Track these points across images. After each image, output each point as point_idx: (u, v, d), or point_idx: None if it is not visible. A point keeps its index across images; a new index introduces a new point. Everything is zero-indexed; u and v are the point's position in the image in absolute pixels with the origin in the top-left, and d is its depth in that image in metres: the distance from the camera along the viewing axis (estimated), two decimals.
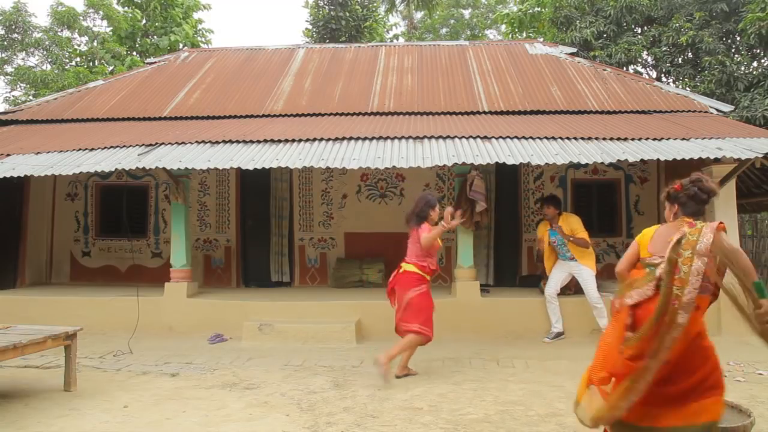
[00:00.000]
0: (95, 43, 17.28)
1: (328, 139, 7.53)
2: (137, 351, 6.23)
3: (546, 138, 7.29)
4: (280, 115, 9.15)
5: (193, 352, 6.26)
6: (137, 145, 7.61)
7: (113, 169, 7.17)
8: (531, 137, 7.32)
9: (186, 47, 17.95)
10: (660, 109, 8.85)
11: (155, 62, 11.67)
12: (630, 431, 2.92)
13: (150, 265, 9.57)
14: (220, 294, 8.06)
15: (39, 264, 9.36)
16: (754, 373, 5.26)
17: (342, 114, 9.10)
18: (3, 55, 17.10)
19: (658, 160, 6.54)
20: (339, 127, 8.11)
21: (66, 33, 17.86)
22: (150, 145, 7.59)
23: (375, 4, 20.09)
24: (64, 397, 4.62)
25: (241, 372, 5.43)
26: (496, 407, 4.34)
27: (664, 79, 13.20)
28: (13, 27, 16.82)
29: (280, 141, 7.54)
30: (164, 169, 6.99)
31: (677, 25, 12.43)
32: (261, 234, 9.54)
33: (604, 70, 10.17)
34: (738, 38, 12.42)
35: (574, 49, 11.51)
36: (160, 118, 9.24)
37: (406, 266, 5.54)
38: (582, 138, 7.27)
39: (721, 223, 3.14)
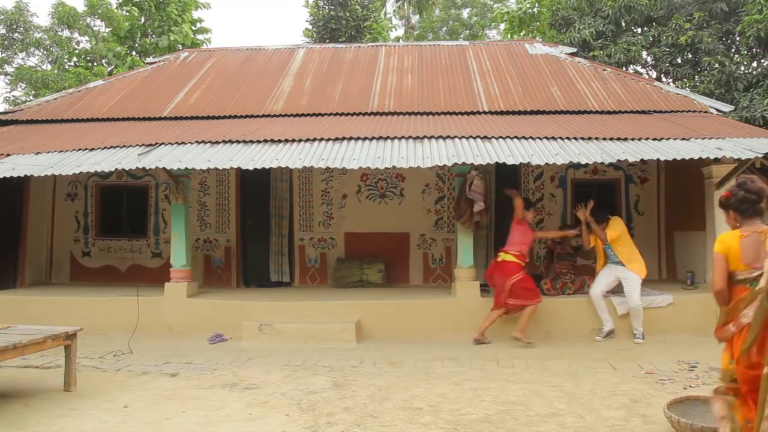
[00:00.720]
0: (96, 43, 17.28)
1: (328, 139, 7.53)
2: (137, 351, 6.23)
3: (546, 138, 7.29)
4: (280, 115, 9.15)
5: (193, 352, 6.26)
6: (137, 145, 7.61)
7: (113, 169, 7.18)
8: (531, 137, 7.32)
9: (185, 47, 17.97)
10: (660, 109, 8.85)
11: (155, 62, 11.67)
12: None
13: (150, 265, 9.57)
14: (220, 294, 8.06)
15: (39, 264, 9.36)
16: None
17: (342, 114, 9.10)
18: (3, 54, 17.10)
19: (658, 160, 6.54)
20: (339, 127, 8.11)
21: (66, 33, 17.86)
22: (150, 145, 7.58)
23: (375, 5, 20.09)
24: (64, 397, 4.62)
25: (241, 372, 5.43)
26: (496, 407, 4.34)
27: (663, 79, 13.19)
28: (14, 27, 16.81)
29: (280, 141, 7.54)
30: (164, 169, 6.99)
31: (677, 25, 12.43)
32: (261, 234, 9.55)
33: (604, 70, 10.17)
34: (737, 38, 12.41)
35: (574, 49, 11.51)
36: (160, 118, 9.24)
37: (504, 256, 6.68)
38: (582, 138, 7.27)
39: None
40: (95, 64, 17.56)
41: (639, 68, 14.06)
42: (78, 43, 18.19)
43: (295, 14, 56.67)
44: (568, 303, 7.13)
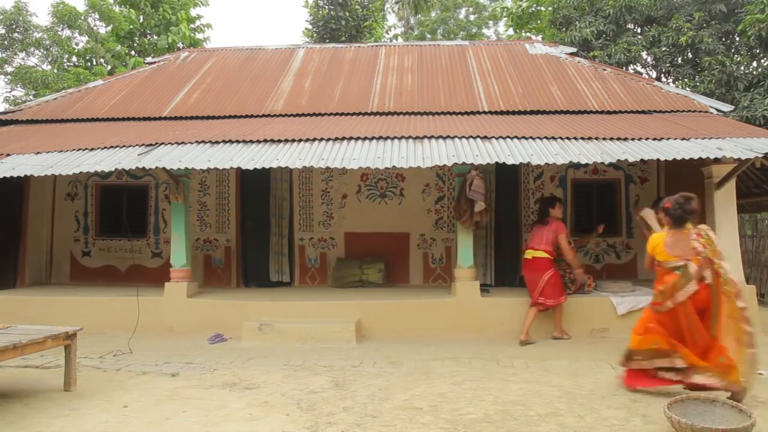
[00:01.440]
0: (95, 43, 17.28)
1: (328, 139, 7.53)
2: (137, 351, 6.23)
3: (546, 138, 7.29)
4: (280, 115, 9.15)
5: (193, 352, 6.26)
6: (137, 145, 7.61)
7: (113, 169, 7.17)
8: (531, 137, 7.32)
9: (184, 46, 17.97)
10: (660, 109, 8.85)
11: (155, 62, 11.67)
12: None
13: (150, 265, 9.57)
14: (220, 294, 8.06)
15: (39, 264, 9.36)
16: (754, 373, 5.24)
17: (342, 114, 9.10)
18: (3, 54, 17.09)
19: (658, 160, 6.54)
20: (339, 127, 8.11)
21: (66, 32, 17.86)
22: (150, 145, 7.59)
23: (375, 5, 20.09)
24: (64, 397, 4.62)
25: (241, 372, 5.43)
26: (496, 407, 4.34)
27: (663, 79, 13.19)
28: (14, 26, 16.81)
29: (279, 141, 7.54)
30: (164, 169, 6.99)
31: (677, 25, 12.43)
32: (261, 234, 9.55)
33: (604, 70, 10.17)
34: (737, 38, 12.41)
35: (574, 49, 11.51)
36: (160, 118, 9.24)
37: (534, 253, 6.82)
38: (582, 138, 7.28)
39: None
40: (94, 63, 17.56)
41: (639, 68, 14.06)
42: (77, 43, 18.19)
43: (295, 14, 56.70)
44: (569, 303, 7.12)
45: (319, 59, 11.12)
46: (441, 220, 9.45)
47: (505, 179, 9.23)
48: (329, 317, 7.08)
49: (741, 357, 4.11)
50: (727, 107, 9.09)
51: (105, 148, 7.62)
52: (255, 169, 6.78)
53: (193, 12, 19.77)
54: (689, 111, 8.80)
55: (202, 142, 7.58)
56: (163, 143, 7.61)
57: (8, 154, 7.61)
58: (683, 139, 7.07)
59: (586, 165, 8.61)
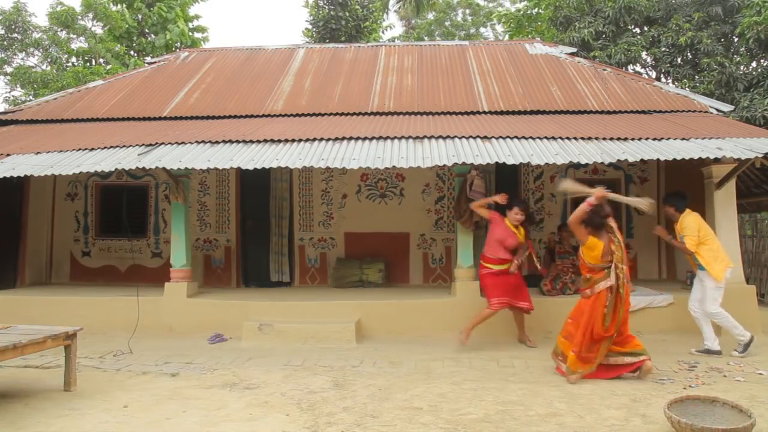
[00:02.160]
0: (95, 43, 17.26)
1: (328, 139, 7.53)
2: (137, 351, 6.23)
3: (546, 138, 7.29)
4: (280, 115, 9.15)
5: (193, 352, 6.26)
6: (137, 145, 7.61)
7: (113, 169, 7.17)
8: (531, 137, 7.32)
9: (183, 46, 17.97)
10: (660, 109, 8.85)
11: (155, 62, 11.68)
12: None
13: (150, 265, 9.57)
14: (220, 294, 8.06)
15: (39, 264, 9.36)
16: (754, 373, 5.25)
17: (342, 114, 9.10)
18: (3, 55, 17.07)
19: (658, 160, 6.53)
20: (339, 127, 8.11)
21: (65, 33, 17.84)
22: (150, 145, 7.58)
23: (375, 5, 20.08)
24: (64, 397, 4.62)
25: (241, 372, 5.43)
26: (496, 407, 4.34)
27: (663, 79, 13.19)
28: (13, 27, 16.79)
29: (279, 141, 7.54)
30: (164, 169, 6.98)
31: (676, 25, 12.42)
32: (261, 234, 9.55)
33: (604, 70, 10.17)
34: (736, 39, 12.41)
35: (574, 49, 11.50)
36: (160, 118, 9.24)
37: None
38: (582, 138, 7.27)
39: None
40: (93, 63, 17.55)
41: (639, 68, 14.06)
42: (75, 44, 18.18)
43: (295, 14, 56.69)
44: (569, 303, 7.10)
45: (319, 59, 11.11)
46: (441, 220, 9.45)
47: (505, 179, 9.22)
48: (329, 317, 7.08)
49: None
50: (727, 107, 9.08)
51: (105, 148, 7.61)
52: (255, 169, 6.78)
53: (191, 11, 19.78)
54: (689, 111, 8.80)
55: (202, 142, 7.58)
56: (163, 143, 7.61)
57: (8, 154, 7.61)
58: (683, 139, 7.07)
59: (586, 165, 8.60)
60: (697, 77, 12.15)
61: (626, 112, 8.79)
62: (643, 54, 13.33)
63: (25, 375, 5.33)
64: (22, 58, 17.53)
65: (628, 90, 9.38)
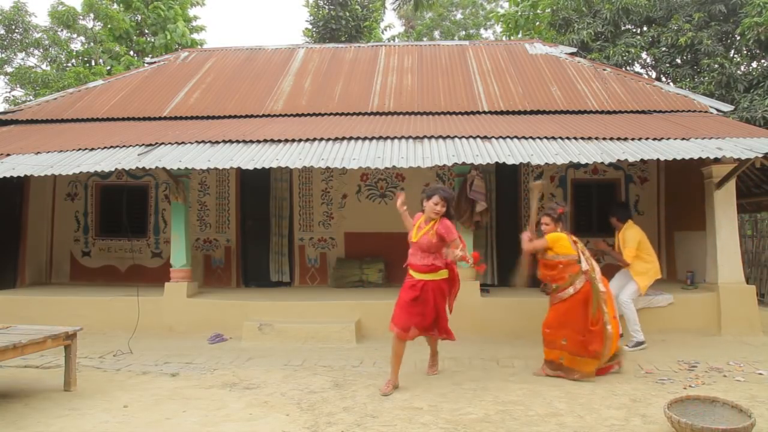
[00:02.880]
0: (93, 43, 17.27)
1: (328, 139, 7.53)
2: (137, 351, 6.23)
3: (546, 138, 7.29)
4: (280, 115, 9.15)
5: (193, 352, 6.26)
6: (137, 145, 7.61)
7: (113, 169, 7.17)
8: (531, 137, 7.32)
9: (182, 46, 17.97)
10: (660, 109, 8.85)
11: (155, 62, 11.68)
12: None
13: (150, 265, 9.57)
14: (220, 294, 8.06)
15: (39, 264, 9.36)
16: (754, 373, 5.25)
17: (342, 114, 9.10)
18: (3, 55, 17.07)
19: (658, 160, 6.53)
20: (339, 127, 8.11)
21: (65, 33, 17.85)
22: (150, 145, 7.59)
23: (375, 5, 20.08)
24: (64, 397, 4.62)
25: (241, 372, 5.43)
26: (496, 407, 4.34)
27: (663, 79, 13.18)
28: (13, 27, 16.79)
29: (279, 141, 7.54)
30: (164, 169, 6.98)
31: (676, 25, 12.42)
32: (261, 234, 9.55)
33: (604, 69, 10.17)
34: (737, 39, 12.40)
35: (574, 49, 11.50)
36: (160, 118, 9.24)
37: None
38: (582, 138, 7.27)
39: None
40: (93, 63, 17.56)
41: (638, 69, 14.05)
42: (75, 45, 18.18)
43: (295, 14, 56.68)
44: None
45: (319, 59, 11.11)
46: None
47: (505, 179, 9.23)
48: (329, 317, 7.08)
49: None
50: (727, 107, 9.08)
51: (105, 148, 7.61)
52: (255, 169, 6.78)
53: (191, 12, 19.78)
54: (689, 111, 8.80)
55: (202, 142, 7.58)
56: (163, 143, 7.61)
57: (8, 154, 7.61)
58: (683, 139, 7.07)
59: (586, 165, 8.61)
60: (697, 77, 12.14)
61: (626, 112, 8.79)
62: (643, 54, 13.32)
63: (25, 375, 5.33)
64: (22, 58, 17.54)
65: (628, 90, 9.38)
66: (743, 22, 11.26)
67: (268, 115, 9.16)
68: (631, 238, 6.50)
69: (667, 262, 9.27)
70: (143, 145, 7.59)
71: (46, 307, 7.42)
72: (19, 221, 8.94)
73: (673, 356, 5.86)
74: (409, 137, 7.53)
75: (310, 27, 19.34)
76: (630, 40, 12.89)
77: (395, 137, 7.54)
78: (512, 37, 17.15)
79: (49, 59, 17.33)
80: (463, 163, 6.72)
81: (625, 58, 12.73)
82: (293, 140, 7.54)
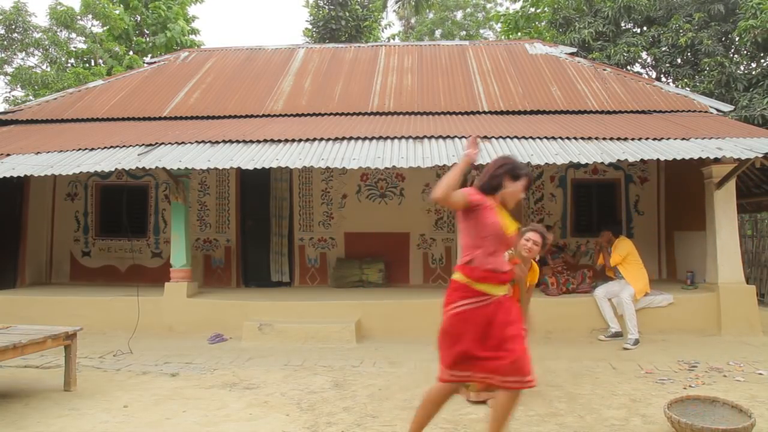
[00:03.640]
0: (93, 42, 17.26)
1: (328, 139, 7.53)
2: (137, 351, 6.23)
3: (546, 138, 7.29)
4: (280, 115, 9.15)
5: (193, 352, 6.26)
6: (137, 145, 7.61)
7: (113, 169, 7.18)
8: (531, 137, 7.32)
9: (182, 46, 17.96)
10: (660, 109, 8.85)
11: (155, 62, 11.68)
12: None
13: (150, 265, 9.57)
14: (220, 294, 8.06)
15: (39, 264, 9.36)
16: (754, 373, 5.25)
17: (342, 114, 9.10)
18: (3, 55, 17.07)
19: (658, 160, 6.54)
20: (339, 127, 8.11)
21: (65, 33, 17.85)
22: (150, 145, 7.59)
23: (374, 4, 20.09)
24: (64, 397, 4.61)
25: (241, 372, 5.43)
26: None
27: (663, 79, 13.19)
28: (13, 27, 16.79)
29: (279, 141, 7.55)
30: (164, 169, 6.99)
31: (676, 25, 12.42)
32: (261, 234, 9.55)
33: (604, 70, 10.18)
34: (736, 39, 12.41)
35: (574, 49, 11.50)
36: (160, 118, 9.24)
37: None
38: (582, 138, 7.28)
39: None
40: (93, 64, 17.56)
41: (639, 68, 14.06)
42: (75, 46, 18.17)
43: (295, 14, 56.68)
44: (568, 303, 7.13)
45: (319, 59, 11.12)
46: (441, 220, 9.45)
47: None
48: (329, 317, 7.08)
49: None
50: (727, 107, 9.09)
51: (105, 148, 7.62)
52: (255, 169, 6.78)
53: (189, 11, 19.77)
54: (689, 111, 8.80)
55: (202, 142, 7.58)
56: (163, 143, 7.61)
57: (8, 154, 7.61)
58: (683, 139, 7.07)
59: (586, 165, 8.60)
60: (696, 77, 12.15)
61: (626, 112, 8.80)
62: (643, 54, 13.33)
63: (25, 375, 5.33)
64: (22, 59, 17.54)
65: (628, 90, 9.38)
66: (740, 25, 11.27)
67: (268, 115, 9.16)
68: (622, 248, 6.92)
69: (667, 262, 9.28)
70: (143, 145, 7.59)
71: (46, 307, 7.42)
72: (19, 221, 8.94)
73: (673, 356, 5.86)
74: (409, 137, 7.53)
75: (310, 27, 19.34)
76: (630, 40, 12.90)
77: (395, 137, 7.54)
78: (512, 37, 17.15)
79: (49, 59, 17.34)
80: None
81: (625, 57, 12.73)
82: (293, 140, 7.55)
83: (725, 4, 12.24)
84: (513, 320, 3.17)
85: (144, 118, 9.29)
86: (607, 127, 7.84)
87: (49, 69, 16.98)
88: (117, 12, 17.58)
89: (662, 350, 6.16)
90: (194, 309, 7.39)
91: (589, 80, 9.70)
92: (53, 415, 4.19)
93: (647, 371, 5.34)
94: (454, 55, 11.11)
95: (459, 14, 28.63)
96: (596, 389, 4.79)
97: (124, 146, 7.61)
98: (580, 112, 8.82)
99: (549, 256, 7.85)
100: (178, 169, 6.99)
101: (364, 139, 7.54)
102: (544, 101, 9.12)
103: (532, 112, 8.88)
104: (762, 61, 12.33)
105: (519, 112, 8.90)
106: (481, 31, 27.34)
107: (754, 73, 11.77)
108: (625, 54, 12.67)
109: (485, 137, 7.40)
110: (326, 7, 18.88)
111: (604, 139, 7.23)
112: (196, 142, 7.58)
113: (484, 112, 8.94)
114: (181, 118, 9.22)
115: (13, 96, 17.43)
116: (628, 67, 13.43)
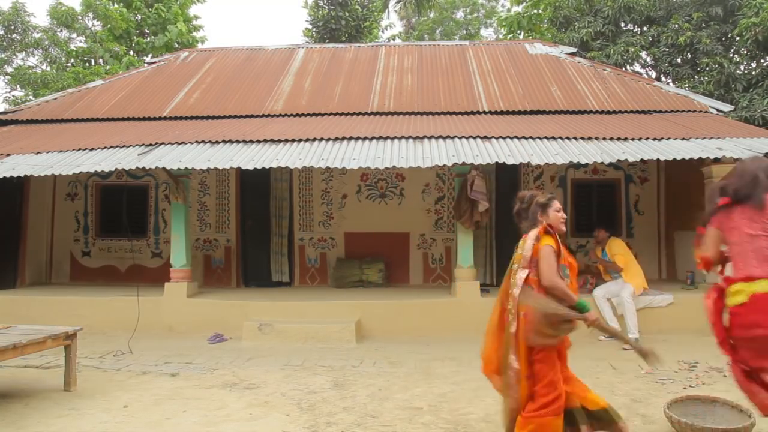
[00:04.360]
0: (93, 42, 17.26)
1: (328, 139, 7.53)
2: (137, 351, 6.23)
3: (546, 138, 7.29)
4: (280, 115, 9.15)
5: (193, 352, 6.26)
6: (137, 145, 7.61)
7: (113, 169, 7.18)
8: (531, 137, 7.33)
9: (182, 46, 17.96)
10: (660, 109, 8.85)
11: (155, 62, 11.68)
12: None
13: (150, 265, 9.57)
14: (220, 294, 8.06)
15: (39, 264, 9.36)
16: None
17: (342, 114, 9.10)
18: (3, 55, 17.07)
19: (658, 160, 6.54)
20: (339, 127, 8.11)
21: (65, 33, 17.86)
22: (150, 145, 7.59)
23: (375, 4, 20.08)
24: (64, 397, 4.62)
25: (241, 372, 5.43)
26: (496, 407, 4.32)
27: (663, 79, 13.19)
28: (13, 27, 16.79)
29: (279, 141, 7.55)
30: (164, 169, 6.99)
31: (676, 25, 12.42)
32: (261, 234, 9.54)
33: (604, 69, 10.18)
34: (736, 39, 12.41)
35: (574, 49, 11.50)
36: (160, 118, 9.24)
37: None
38: (582, 138, 7.28)
39: (544, 226, 3.25)
40: (93, 63, 17.56)
41: (638, 68, 14.05)
42: (75, 45, 18.17)
43: (295, 14, 56.65)
44: None
45: (319, 59, 11.12)
46: (441, 220, 9.45)
47: (505, 179, 9.22)
48: (329, 317, 7.08)
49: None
50: (726, 107, 9.09)
51: (105, 148, 7.62)
52: (255, 169, 6.78)
53: (191, 11, 19.77)
54: (689, 111, 8.81)
55: (202, 142, 7.58)
56: (163, 143, 7.61)
57: (8, 154, 7.61)
58: (683, 139, 7.07)
59: (586, 165, 8.61)
60: (696, 77, 12.15)
61: (626, 112, 8.80)
62: (643, 54, 13.33)
63: (25, 375, 5.33)
64: (22, 59, 17.53)
65: (628, 90, 9.38)
66: (741, 23, 11.27)
67: (268, 115, 9.16)
68: (620, 246, 7.08)
69: (667, 262, 9.27)
70: (143, 145, 7.59)
71: (46, 307, 7.42)
72: (19, 221, 8.94)
73: (673, 356, 5.86)
74: (409, 137, 7.53)
75: (310, 27, 19.33)
76: (630, 40, 12.90)
77: (395, 137, 7.55)
78: (513, 37, 17.17)
79: (48, 59, 17.34)
80: (463, 163, 6.73)
81: (625, 57, 12.73)
82: (293, 140, 7.55)
83: (724, 5, 12.24)
84: None
85: (144, 118, 9.29)
86: (607, 127, 7.84)
87: (48, 69, 16.98)
88: (117, 11, 17.58)
89: (662, 350, 6.12)
90: (194, 309, 7.39)
91: (589, 80, 9.70)
92: (53, 415, 4.19)
93: (647, 371, 5.33)
94: (454, 55, 11.11)
95: (459, 14, 28.62)
96: (596, 389, 4.78)
97: (124, 146, 7.61)
98: (580, 112, 8.82)
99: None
100: (178, 169, 6.99)
101: (364, 139, 7.54)
102: (544, 101, 9.12)
103: (532, 112, 8.88)
104: (762, 61, 12.33)
105: (519, 112, 8.90)
106: (481, 30, 27.34)
107: (753, 73, 11.78)
108: (624, 54, 12.66)
109: (485, 137, 7.40)
110: (326, 7, 18.87)
111: (604, 139, 7.24)
112: (196, 142, 7.58)
113: (484, 112, 8.94)
114: (181, 118, 9.22)
115: (13, 96, 17.43)
116: (628, 67, 13.43)
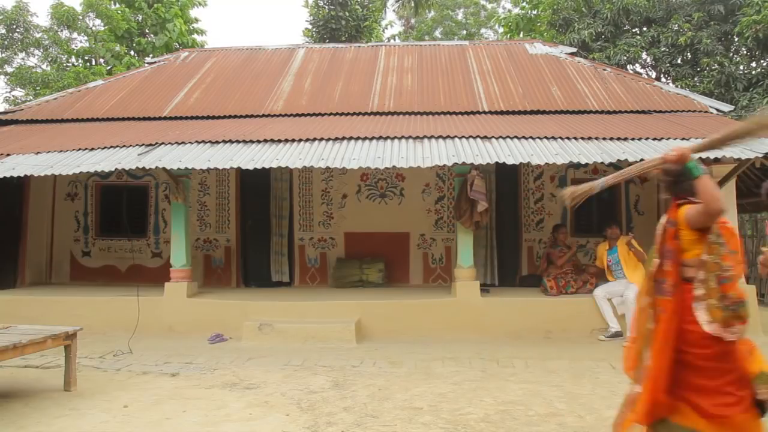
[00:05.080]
0: (94, 42, 17.27)
1: (328, 139, 7.53)
2: (137, 351, 6.23)
3: (546, 138, 7.29)
4: (280, 115, 9.15)
5: (193, 352, 6.26)
6: (137, 145, 7.61)
7: (113, 169, 7.18)
8: (531, 137, 7.33)
9: (183, 46, 17.97)
10: (660, 109, 8.85)
11: (155, 62, 11.68)
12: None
13: (150, 265, 9.57)
14: (220, 294, 8.06)
15: (39, 264, 9.36)
16: None
17: (342, 114, 9.10)
18: (3, 54, 17.08)
19: None
20: (339, 127, 8.11)
21: (66, 33, 17.87)
22: (150, 145, 7.59)
23: (375, 4, 20.09)
24: (64, 397, 4.62)
25: (241, 372, 5.43)
26: (496, 407, 4.34)
27: (663, 79, 13.19)
28: (14, 26, 16.80)
29: (279, 141, 7.55)
30: (164, 168, 6.99)
31: (676, 25, 12.43)
32: (261, 234, 9.54)
33: (604, 69, 10.18)
34: (736, 39, 12.42)
35: (574, 49, 11.50)
36: (160, 118, 9.24)
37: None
38: (582, 138, 7.28)
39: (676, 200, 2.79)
40: (94, 63, 17.56)
41: (639, 68, 14.07)
42: (76, 45, 18.18)
43: (295, 14, 56.65)
44: (569, 303, 7.13)
45: (319, 59, 11.12)
46: (441, 220, 9.45)
47: (505, 179, 9.22)
48: (329, 317, 7.08)
49: None
50: (726, 107, 9.09)
51: (105, 148, 7.62)
52: (255, 169, 6.78)
53: (192, 13, 19.78)
54: (689, 111, 8.80)
55: (202, 142, 7.58)
56: (163, 143, 7.61)
57: (8, 154, 7.61)
58: (683, 139, 7.07)
59: (586, 165, 8.58)
60: (696, 77, 12.16)
61: (626, 112, 8.80)
62: (643, 54, 13.33)
63: (25, 375, 5.33)
64: (23, 58, 17.54)
65: (628, 90, 9.38)
66: (741, 21, 11.29)
67: (268, 115, 9.16)
68: (624, 245, 7.15)
69: None
70: (143, 145, 7.59)
71: (46, 307, 7.42)
72: (19, 221, 8.94)
73: None
74: (409, 137, 7.53)
75: (310, 27, 19.33)
76: (630, 40, 12.90)
77: (395, 137, 7.54)
78: (511, 37, 17.18)
79: (49, 59, 17.34)
80: (463, 163, 6.73)
81: (625, 58, 12.73)
82: (293, 140, 7.55)
83: (724, 5, 12.24)
84: None
85: (144, 118, 9.29)
86: (607, 127, 7.84)
87: (49, 68, 16.98)
88: (116, 8, 17.58)
89: None
90: (194, 309, 7.39)
91: (589, 80, 9.70)
92: (53, 415, 4.19)
93: None
94: (454, 55, 11.11)
95: (460, 14, 28.62)
96: (596, 389, 4.79)
97: (124, 146, 7.61)
98: (580, 112, 8.82)
99: (555, 257, 7.84)
100: (178, 169, 6.99)
101: (364, 139, 7.54)
102: (544, 101, 9.12)
103: (532, 112, 8.88)
104: (762, 60, 12.34)
105: (519, 112, 8.90)
106: (482, 30, 27.34)
107: (753, 73, 11.78)
108: (624, 54, 12.67)
109: (485, 137, 7.40)
110: (326, 7, 18.87)
111: (604, 139, 7.24)
112: (196, 142, 7.58)
113: (484, 112, 8.94)
114: (181, 118, 9.22)
115: (13, 96, 17.44)
116: (628, 67, 13.43)
